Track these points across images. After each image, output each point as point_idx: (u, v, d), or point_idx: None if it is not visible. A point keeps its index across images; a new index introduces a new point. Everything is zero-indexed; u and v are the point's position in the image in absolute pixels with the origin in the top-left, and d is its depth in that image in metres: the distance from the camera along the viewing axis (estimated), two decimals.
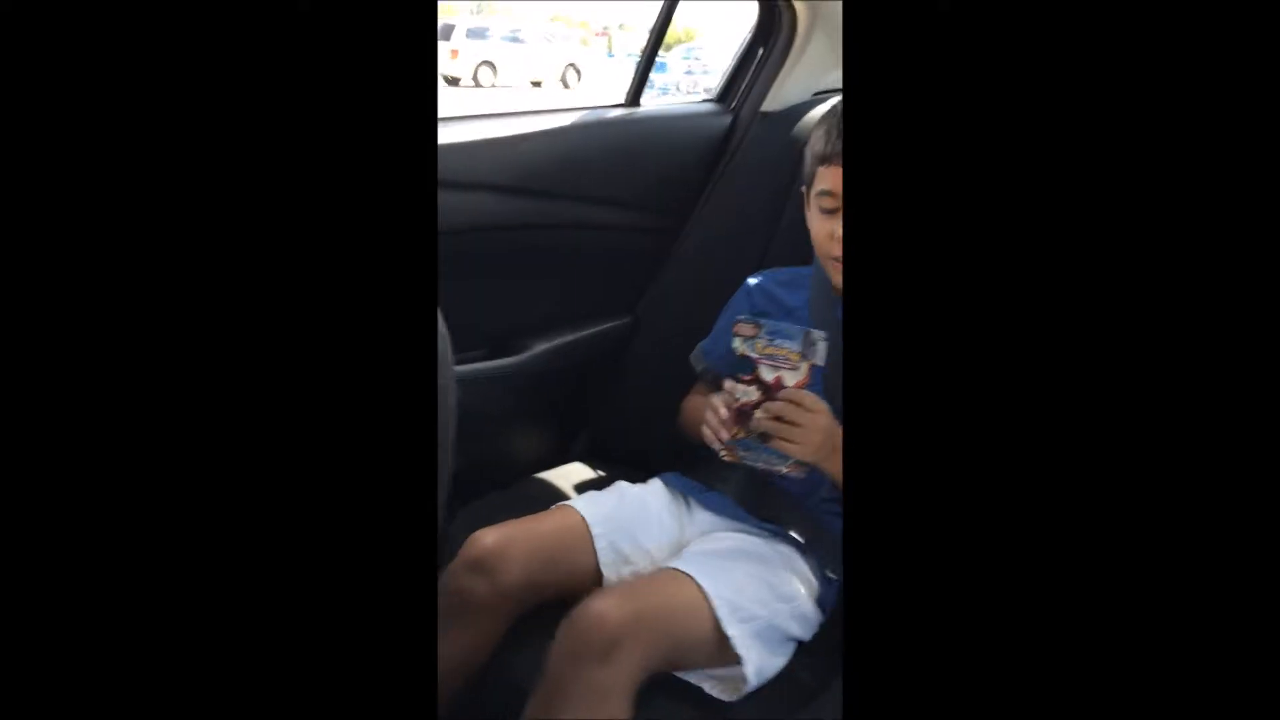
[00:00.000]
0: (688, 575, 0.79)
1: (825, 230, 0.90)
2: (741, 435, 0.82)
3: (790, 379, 0.80)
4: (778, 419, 0.80)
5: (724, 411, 0.83)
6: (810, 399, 0.80)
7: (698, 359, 1.05)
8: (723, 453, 0.84)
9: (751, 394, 0.81)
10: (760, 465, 0.83)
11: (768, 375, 0.81)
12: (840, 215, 0.88)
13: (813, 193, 0.92)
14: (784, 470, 0.82)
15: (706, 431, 0.85)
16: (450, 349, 0.56)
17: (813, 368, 0.80)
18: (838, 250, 0.89)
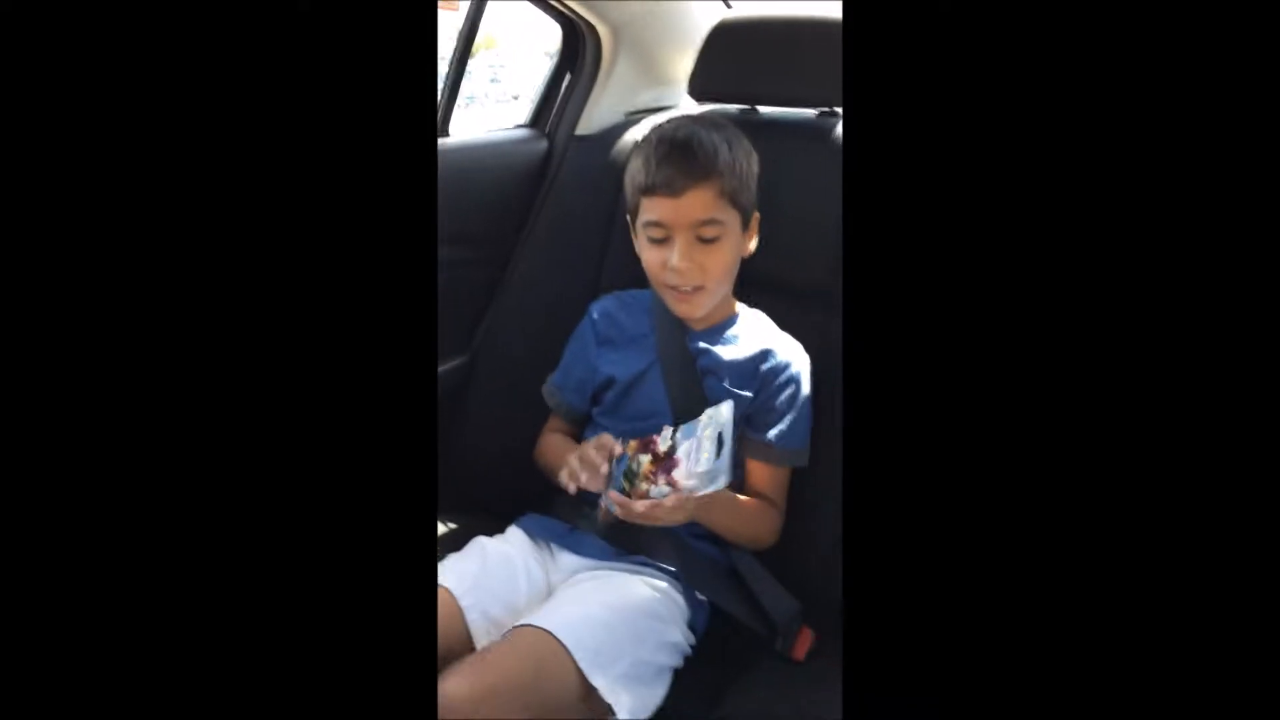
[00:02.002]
0: (544, 630, 0.76)
1: (657, 260, 0.90)
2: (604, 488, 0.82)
3: (683, 484, 0.79)
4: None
5: (593, 472, 0.81)
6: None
7: (551, 393, 1.02)
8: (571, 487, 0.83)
9: (643, 462, 0.82)
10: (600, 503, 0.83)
11: (677, 474, 0.80)
12: (671, 243, 0.88)
13: (639, 222, 0.92)
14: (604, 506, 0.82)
15: (568, 476, 0.83)
16: None
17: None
18: (673, 279, 0.89)
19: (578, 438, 1.01)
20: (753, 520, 0.91)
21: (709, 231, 0.87)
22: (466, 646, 0.81)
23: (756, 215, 0.94)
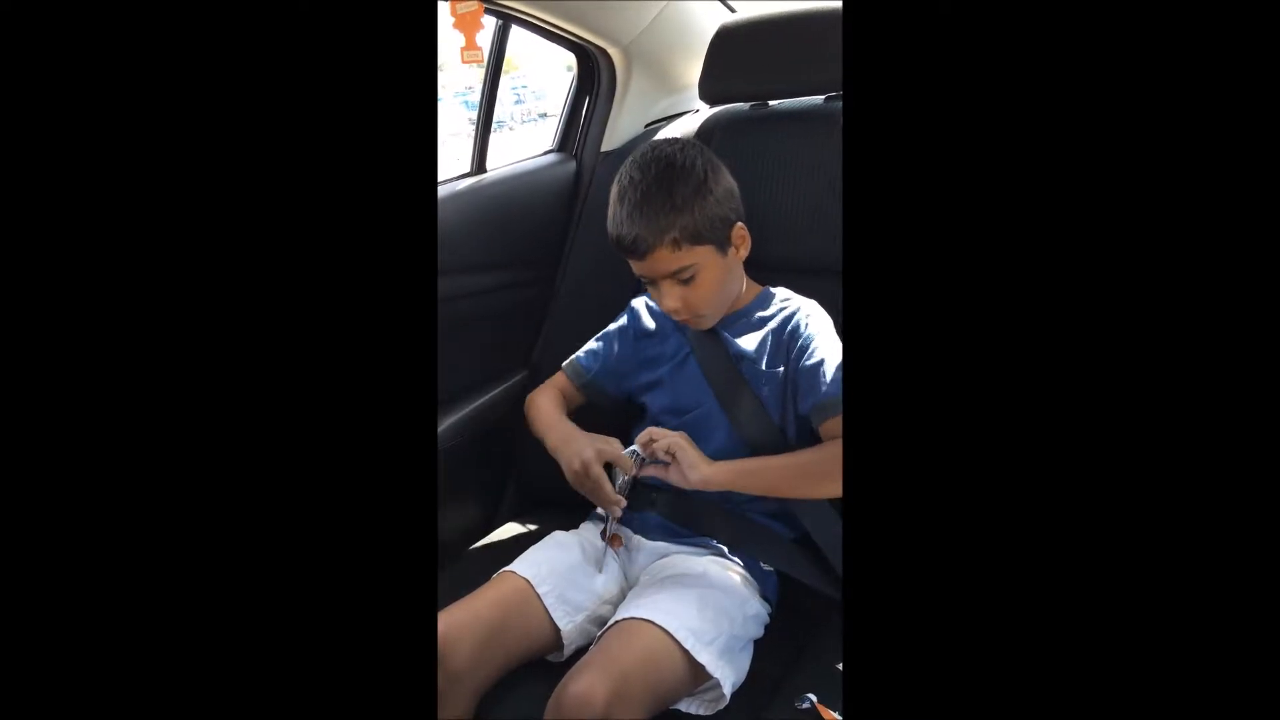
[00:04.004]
0: (648, 621, 0.82)
1: (655, 296, 0.97)
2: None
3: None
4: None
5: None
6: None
7: (577, 372, 1.08)
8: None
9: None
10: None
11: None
12: (658, 286, 0.94)
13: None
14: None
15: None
16: None
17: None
18: (681, 316, 0.96)
19: (581, 406, 1.08)
20: (802, 470, 0.92)
21: (684, 274, 0.93)
22: (550, 630, 0.89)
23: (738, 226, 0.97)
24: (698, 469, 0.88)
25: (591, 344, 1.09)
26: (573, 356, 1.09)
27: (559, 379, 1.09)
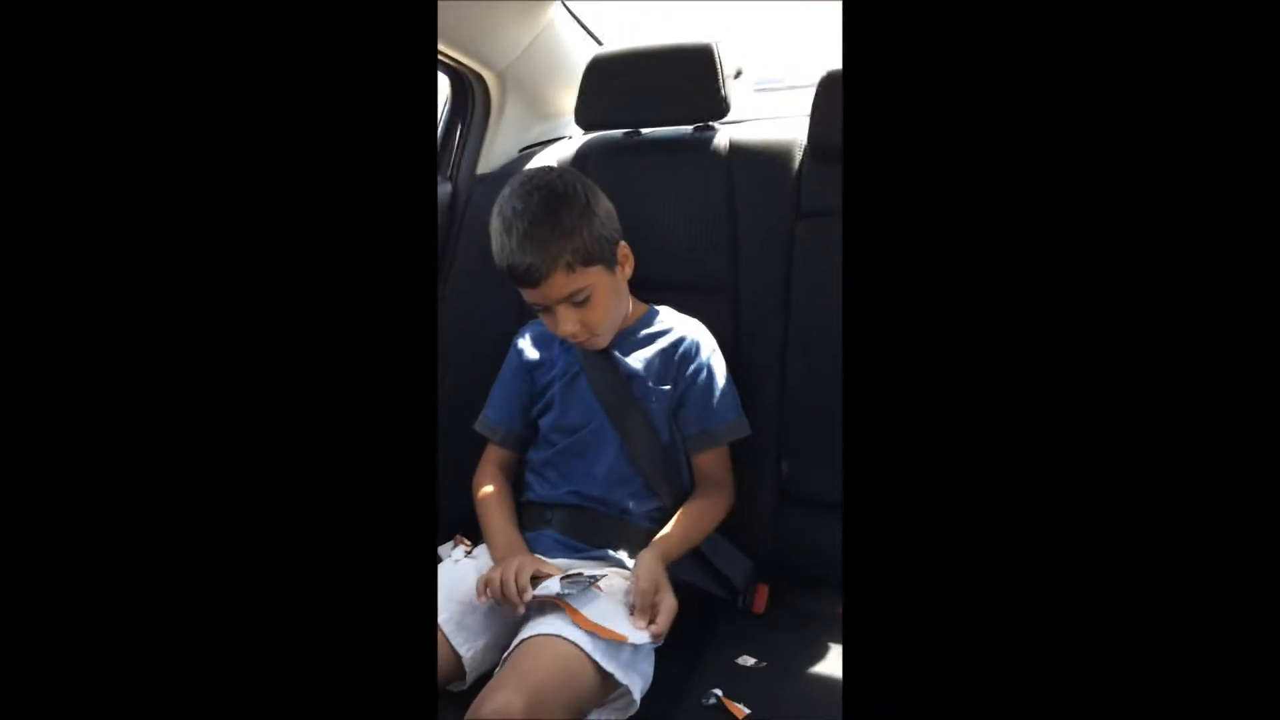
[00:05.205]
0: (555, 636, 0.83)
1: (550, 322, 0.99)
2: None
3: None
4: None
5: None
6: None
7: (491, 429, 1.08)
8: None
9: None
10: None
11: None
12: (552, 312, 0.96)
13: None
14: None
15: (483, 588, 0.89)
16: None
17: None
18: (579, 338, 0.98)
19: (517, 462, 1.08)
20: (705, 519, 0.99)
21: (579, 296, 0.96)
22: (452, 659, 0.88)
23: (621, 244, 1.01)
24: (660, 589, 0.89)
25: (492, 396, 1.09)
26: (481, 415, 1.08)
27: (489, 451, 1.07)
